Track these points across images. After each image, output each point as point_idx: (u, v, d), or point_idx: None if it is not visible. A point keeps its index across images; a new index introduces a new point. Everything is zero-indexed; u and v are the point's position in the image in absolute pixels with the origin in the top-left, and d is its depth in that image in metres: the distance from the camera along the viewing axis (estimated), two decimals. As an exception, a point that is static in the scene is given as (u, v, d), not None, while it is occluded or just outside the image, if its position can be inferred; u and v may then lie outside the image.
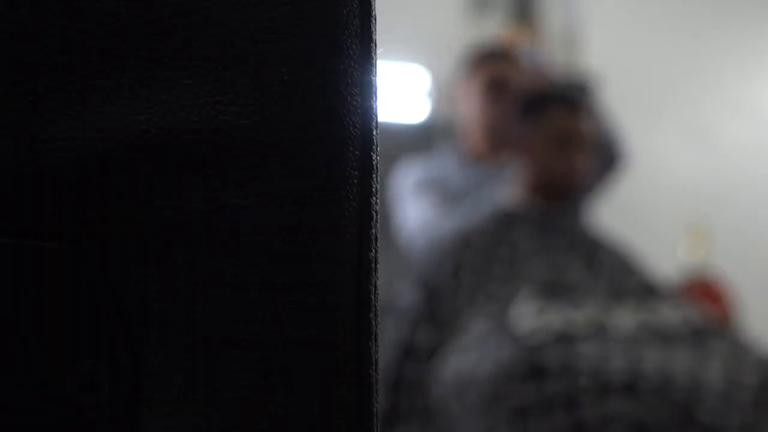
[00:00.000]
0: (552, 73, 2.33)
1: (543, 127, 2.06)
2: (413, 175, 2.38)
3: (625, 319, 1.78)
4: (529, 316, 1.79)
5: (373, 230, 0.41)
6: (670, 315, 1.79)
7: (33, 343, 0.37)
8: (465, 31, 3.23)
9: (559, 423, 1.58)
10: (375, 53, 0.42)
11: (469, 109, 2.41)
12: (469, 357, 1.75)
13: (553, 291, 1.83)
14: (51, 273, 0.38)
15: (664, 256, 2.37)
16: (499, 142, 2.36)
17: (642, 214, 2.95)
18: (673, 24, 3.59)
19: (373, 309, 0.41)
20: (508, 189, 2.12)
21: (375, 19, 0.42)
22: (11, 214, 0.38)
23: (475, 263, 1.93)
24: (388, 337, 1.88)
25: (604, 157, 2.20)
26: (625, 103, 2.53)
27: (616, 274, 1.89)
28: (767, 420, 1.53)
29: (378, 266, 0.42)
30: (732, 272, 3.18)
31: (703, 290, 3.10)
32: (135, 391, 0.38)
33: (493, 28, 3.37)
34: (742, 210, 3.51)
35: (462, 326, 1.84)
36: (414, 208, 2.32)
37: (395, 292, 2.05)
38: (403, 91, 3.14)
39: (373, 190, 0.41)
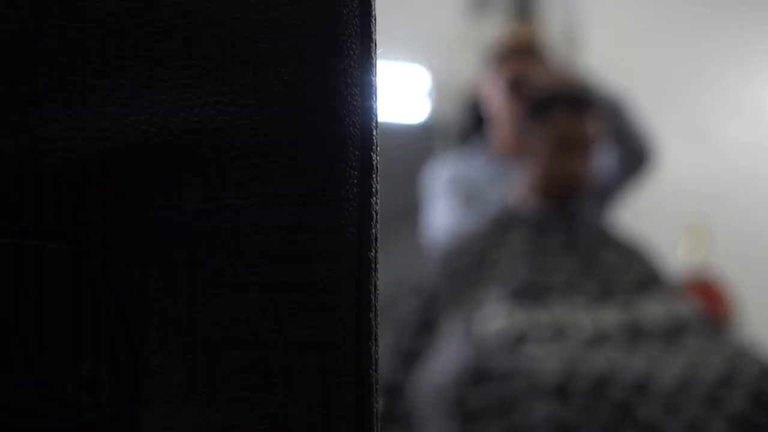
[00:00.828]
0: (571, 75, 2.32)
1: (546, 129, 2.06)
2: (445, 173, 2.37)
3: (604, 317, 1.79)
4: (493, 318, 1.81)
5: (373, 230, 0.41)
6: (655, 311, 1.80)
7: (33, 343, 0.37)
8: (465, 31, 3.23)
9: (496, 428, 1.59)
10: (375, 53, 0.42)
11: (495, 107, 2.41)
12: (437, 361, 1.76)
13: (527, 292, 1.84)
14: (51, 273, 0.38)
15: (664, 256, 2.37)
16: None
17: (642, 214, 2.95)
18: (673, 24, 3.59)
19: (373, 309, 0.41)
20: (512, 190, 2.12)
21: (375, 19, 0.42)
22: (11, 214, 0.38)
23: (467, 267, 1.94)
24: (385, 341, 1.88)
25: (633, 156, 2.20)
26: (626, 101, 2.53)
27: (611, 273, 1.89)
28: (719, 416, 1.53)
29: (378, 266, 0.42)
30: (732, 272, 3.18)
31: (703, 290, 3.10)
32: (135, 391, 0.38)
33: (493, 28, 3.37)
34: (742, 210, 3.51)
35: (442, 330, 1.85)
36: (442, 208, 2.33)
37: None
38: (403, 91, 3.14)
39: (373, 190, 0.41)
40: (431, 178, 2.41)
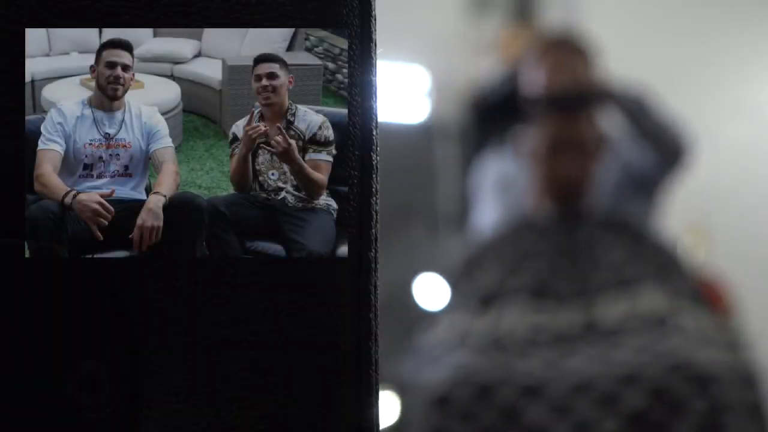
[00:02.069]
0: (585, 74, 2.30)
1: (539, 132, 2.07)
2: (492, 172, 2.34)
3: (559, 319, 1.81)
4: (441, 327, 1.86)
5: (373, 230, 0.41)
6: (615, 311, 1.81)
7: (33, 343, 0.37)
8: (465, 31, 3.23)
9: None
10: (375, 53, 0.42)
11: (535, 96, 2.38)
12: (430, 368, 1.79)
13: (487, 299, 1.87)
14: (50, 273, 0.38)
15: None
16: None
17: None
18: (673, 24, 3.59)
19: (373, 309, 0.41)
20: (527, 193, 2.13)
21: (375, 19, 0.42)
22: (9, 214, 0.38)
23: (472, 278, 1.98)
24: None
25: (667, 152, 2.19)
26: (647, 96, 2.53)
27: (593, 273, 1.90)
28: (614, 417, 1.54)
29: (378, 266, 0.42)
30: (732, 272, 3.18)
31: (703, 290, 3.09)
32: (135, 391, 0.38)
33: (493, 28, 3.36)
34: (742, 210, 3.51)
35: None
36: (488, 209, 2.30)
37: None
38: (403, 91, 3.13)
39: (373, 190, 0.41)
40: (477, 176, 2.38)
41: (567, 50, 2.35)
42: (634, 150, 2.21)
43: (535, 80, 2.36)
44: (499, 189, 2.33)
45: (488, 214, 2.32)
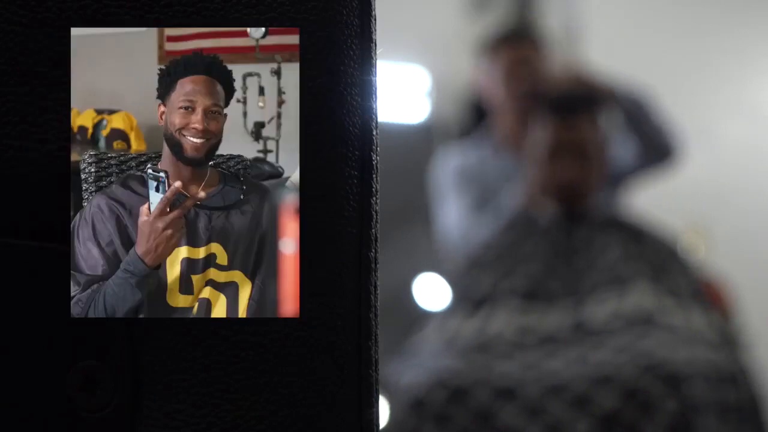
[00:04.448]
0: (584, 73, 2.30)
1: (539, 134, 2.07)
2: (452, 165, 2.33)
3: (547, 320, 1.81)
4: (431, 329, 1.87)
5: (373, 230, 0.41)
6: (596, 311, 1.81)
7: (33, 343, 0.37)
8: (465, 31, 3.23)
9: None
10: (375, 53, 0.42)
11: (495, 94, 2.38)
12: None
13: (479, 301, 1.88)
14: (50, 273, 0.38)
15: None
16: (526, 125, 2.35)
17: (642, 214, 2.95)
18: (673, 24, 3.59)
19: (373, 309, 0.41)
20: (522, 191, 2.12)
21: (375, 19, 0.42)
22: (7, 214, 0.38)
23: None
24: None
25: (654, 151, 2.20)
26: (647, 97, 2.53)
27: (587, 273, 1.90)
28: (587, 418, 1.54)
29: (378, 266, 0.42)
30: (732, 272, 3.18)
31: (705, 289, 3.09)
32: (135, 391, 0.38)
33: (493, 28, 3.36)
34: (742, 210, 3.51)
35: None
36: (453, 205, 2.28)
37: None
38: (403, 91, 3.13)
39: (373, 190, 0.41)
40: (438, 172, 2.37)
41: (520, 44, 2.36)
42: (618, 142, 2.23)
43: (492, 79, 2.37)
44: (463, 183, 2.32)
45: (452, 210, 2.31)
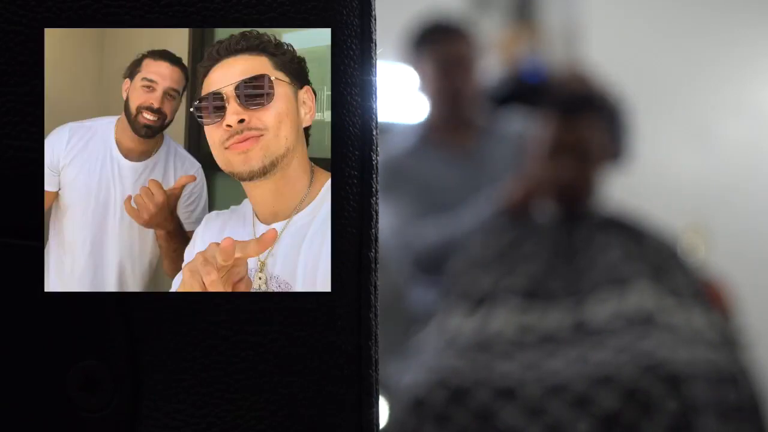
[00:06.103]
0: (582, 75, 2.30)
1: (538, 134, 2.08)
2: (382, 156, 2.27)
3: (546, 319, 1.81)
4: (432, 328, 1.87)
5: (373, 230, 0.41)
6: (597, 310, 1.81)
7: (33, 343, 0.37)
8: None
9: None
10: (375, 53, 0.42)
11: (429, 90, 2.35)
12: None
13: (480, 300, 1.88)
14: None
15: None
16: (462, 123, 2.33)
17: (642, 214, 2.95)
18: (673, 24, 3.59)
19: (373, 309, 0.41)
20: (508, 191, 2.12)
21: (375, 19, 0.42)
22: (6, 214, 0.38)
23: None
24: None
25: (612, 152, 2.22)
26: (624, 103, 2.53)
27: (588, 272, 1.90)
28: (587, 418, 1.54)
29: (378, 266, 0.42)
30: (732, 272, 3.18)
31: (706, 289, 3.09)
32: (135, 391, 0.38)
33: (494, 28, 3.36)
34: (742, 210, 3.51)
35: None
36: (390, 208, 2.21)
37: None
38: (402, 91, 3.13)
39: (373, 190, 0.41)
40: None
41: (450, 39, 2.35)
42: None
43: (424, 74, 2.35)
44: (397, 184, 2.28)
45: (393, 213, 2.24)
